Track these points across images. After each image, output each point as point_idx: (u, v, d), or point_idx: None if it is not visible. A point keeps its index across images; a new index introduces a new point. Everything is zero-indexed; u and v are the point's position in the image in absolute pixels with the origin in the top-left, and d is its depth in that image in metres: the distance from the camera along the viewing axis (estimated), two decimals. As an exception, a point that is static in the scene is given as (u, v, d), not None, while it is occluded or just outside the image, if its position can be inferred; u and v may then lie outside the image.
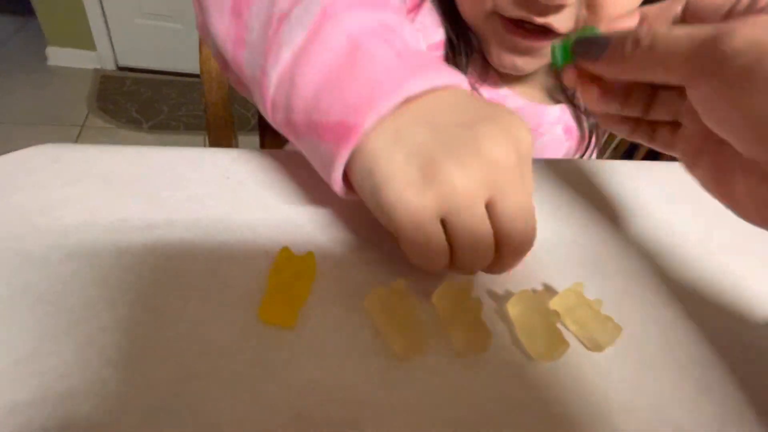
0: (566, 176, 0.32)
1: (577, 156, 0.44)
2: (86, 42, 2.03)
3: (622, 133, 0.23)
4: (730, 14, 0.19)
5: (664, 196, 0.32)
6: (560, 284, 0.22)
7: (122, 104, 1.93)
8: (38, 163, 0.20)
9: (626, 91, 0.21)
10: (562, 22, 0.31)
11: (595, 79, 0.21)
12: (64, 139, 1.70)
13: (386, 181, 0.17)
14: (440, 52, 0.38)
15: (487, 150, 0.17)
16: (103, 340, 0.14)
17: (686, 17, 0.21)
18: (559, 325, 0.20)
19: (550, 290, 0.22)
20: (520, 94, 0.41)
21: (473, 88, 0.39)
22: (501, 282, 0.21)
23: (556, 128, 0.43)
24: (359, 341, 0.17)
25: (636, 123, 0.22)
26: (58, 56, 2.05)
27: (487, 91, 0.40)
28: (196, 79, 2.21)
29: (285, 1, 0.19)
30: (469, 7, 0.34)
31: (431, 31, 0.37)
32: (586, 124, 0.43)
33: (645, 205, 0.31)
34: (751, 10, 0.18)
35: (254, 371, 0.15)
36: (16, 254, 0.16)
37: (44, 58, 2.06)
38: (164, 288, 0.16)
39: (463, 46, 0.37)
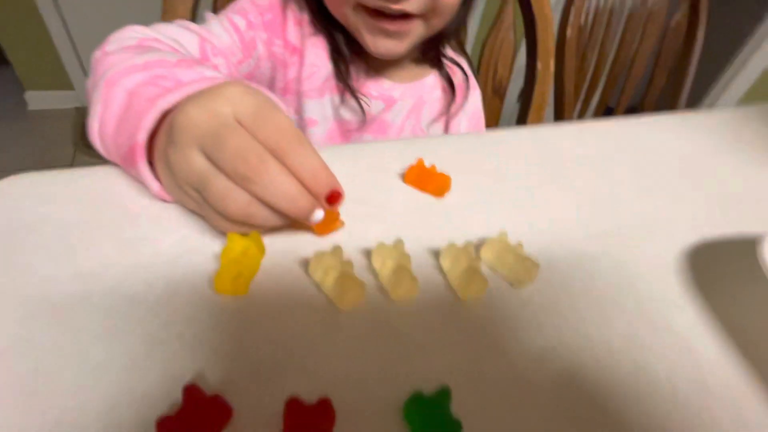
0: (489, 144, 0.35)
1: (453, 106, 0.51)
2: (63, 82, 2.05)
3: None
4: None
5: (582, 153, 0.36)
6: (491, 233, 0.25)
7: (106, 139, 1.95)
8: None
9: None
10: (415, 6, 0.35)
11: None
12: (53, 180, 1.71)
13: (169, 191, 0.23)
14: (332, 83, 0.44)
15: (180, 121, 0.20)
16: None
17: None
18: (484, 269, 0.23)
19: (482, 240, 0.25)
20: (400, 80, 0.48)
21: (363, 91, 0.45)
22: (439, 240, 0.24)
23: (434, 93, 0.50)
24: (306, 300, 0.20)
25: None
26: (38, 100, 2.06)
27: (375, 89, 0.47)
28: (176, 105, 2.23)
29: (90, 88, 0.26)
30: (336, 5, 0.39)
31: (323, 71, 0.44)
32: (454, 81, 0.50)
33: (568, 160, 0.34)
34: None
35: (214, 335, 0.18)
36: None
37: (24, 104, 2.07)
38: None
39: (345, 65, 0.43)
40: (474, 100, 0.54)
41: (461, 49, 0.53)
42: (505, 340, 0.19)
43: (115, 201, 0.24)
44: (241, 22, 0.40)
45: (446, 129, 0.53)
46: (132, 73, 0.24)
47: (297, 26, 0.43)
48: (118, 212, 0.23)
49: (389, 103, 0.48)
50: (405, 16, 0.37)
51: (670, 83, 1.01)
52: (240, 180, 0.19)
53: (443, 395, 0.15)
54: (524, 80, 0.74)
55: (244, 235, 0.21)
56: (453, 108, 0.51)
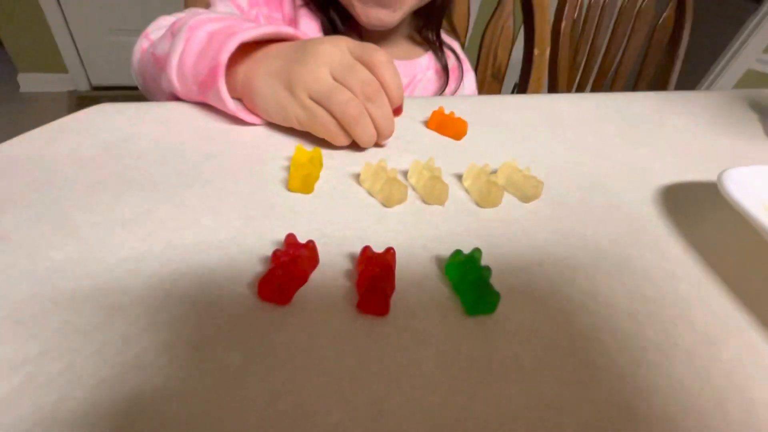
0: (499, 104, 0.40)
1: (446, 89, 0.53)
2: (57, 65, 2.04)
3: None
4: None
5: (577, 116, 0.41)
6: (501, 160, 0.30)
7: (102, 123, 1.94)
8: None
9: None
10: None
11: None
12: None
13: (263, 101, 0.28)
14: None
15: (315, 50, 0.27)
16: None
17: None
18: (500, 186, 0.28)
19: (493, 168, 0.30)
20: (393, 57, 0.50)
21: None
22: (461, 166, 0.29)
23: (428, 73, 0.53)
24: (358, 199, 0.25)
25: None
26: (31, 82, 2.04)
27: None
28: (173, 91, 2.24)
29: (161, 45, 0.32)
30: None
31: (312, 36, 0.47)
32: (448, 64, 0.53)
33: (565, 119, 0.39)
34: None
35: (291, 216, 0.22)
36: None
37: (16, 87, 2.05)
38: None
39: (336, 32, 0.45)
40: (469, 82, 0.57)
41: (453, 31, 0.56)
42: (517, 236, 0.24)
43: (192, 124, 0.28)
44: (242, 2, 0.44)
45: None
46: (209, 22, 0.30)
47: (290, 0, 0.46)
48: (197, 133, 0.28)
49: None
50: None
51: (658, 77, 1.08)
52: (363, 98, 0.27)
53: (476, 252, 0.20)
54: (521, 66, 0.80)
55: (307, 150, 0.25)
56: (447, 91, 0.53)
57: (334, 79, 0.27)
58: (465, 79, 0.55)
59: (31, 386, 0.14)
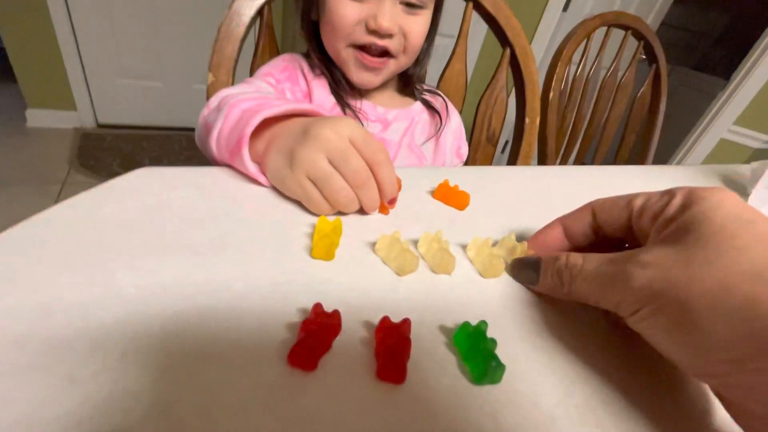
0: (495, 176, 0.44)
1: (438, 128, 0.65)
2: (66, 103, 2.10)
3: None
4: (629, 224, 0.24)
5: (564, 189, 0.45)
6: (500, 230, 0.33)
7: (103, 159, 1.98)
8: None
9: None
10: (393, 45, 0.51)
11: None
12: (45, 196, 1.72)
13: (270, 172, 0.32)
14: (336, 111, 0.58)
15: (316, 134, 0.30)
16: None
17: (594, 226, 0.27)
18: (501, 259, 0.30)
19: (495, 240, 0.33)
20: (392, 107, 0.62)
21: (361, 117, 0.58)
22: (463, 240, 0.32)
23: (423, 115, 0.65)
24: (374, 268, 0.27)
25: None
26: (38, 118, 2.09)
27: (372, 113, 0.60)
28: (176, 132, 2.31)
29: (212, 115, 0.40)
30: (333, 41, 0.52)
31: (327, 105, 0.56)
32: (436, 107, 0.65)
33: (553, 192, 0.43)
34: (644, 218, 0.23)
35: (315, 283, 0.25)
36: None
37: (24, 121, 2.09)
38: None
39: (342, 97, 0.56)
40: (455, 118, 0.69)
41: (434, 89, 0.71)
42: (517, 307, 0.27)
43: (224, 190, 0.31)
44: (272, 80, 0.55)
45: (437, 143, 0.66)
46: (246, 100, 0.36)
47: (303, 77, 0.57)
48: (228, 199, 0.30)
49: (385, 124, 0.61)
50: (383, 54, 0.52)
51: (639, 146, 1.16)
52: (353, 185, 0.30)
53: (483, 324, 0.22)
54: (513, 132, 0.86)
55: (329, 220, 0.28)
56: (440, 127, 0.65)
57: (330, 162, 0.30)
58: (452, 115, 0.68)
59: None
